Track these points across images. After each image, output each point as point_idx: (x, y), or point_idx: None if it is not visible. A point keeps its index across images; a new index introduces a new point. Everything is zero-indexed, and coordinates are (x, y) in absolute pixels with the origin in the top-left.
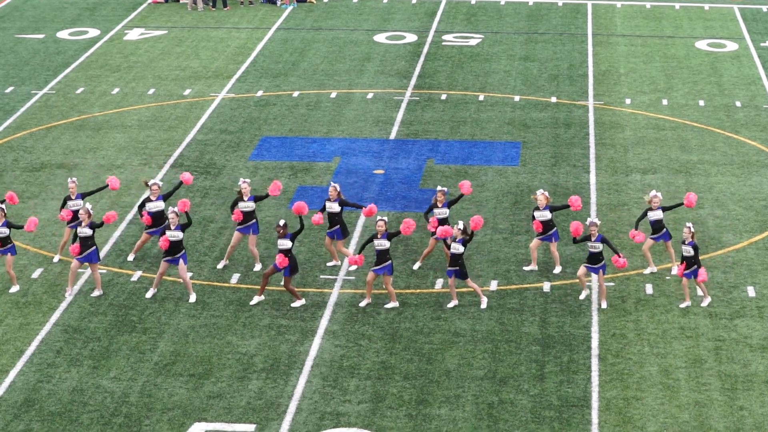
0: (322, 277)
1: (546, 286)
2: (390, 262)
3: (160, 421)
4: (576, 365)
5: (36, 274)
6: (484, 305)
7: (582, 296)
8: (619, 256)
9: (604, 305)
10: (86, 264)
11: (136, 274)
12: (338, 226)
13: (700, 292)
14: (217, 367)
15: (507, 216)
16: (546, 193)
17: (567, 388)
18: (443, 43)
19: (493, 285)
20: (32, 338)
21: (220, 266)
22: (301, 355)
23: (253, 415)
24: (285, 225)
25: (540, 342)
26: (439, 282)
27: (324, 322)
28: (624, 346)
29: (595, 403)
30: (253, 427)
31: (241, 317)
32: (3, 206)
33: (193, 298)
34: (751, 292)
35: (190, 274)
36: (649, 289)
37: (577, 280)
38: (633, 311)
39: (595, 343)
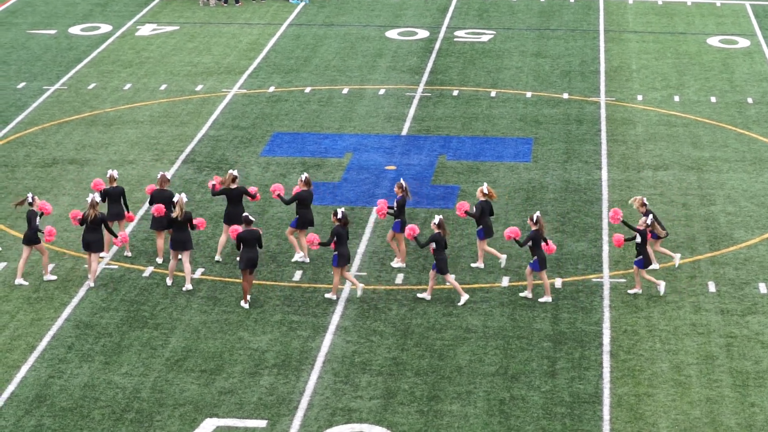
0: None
1: (558, 282)
2: (335, 253)
3: (172, 417)
4: (587, 361)
5: (48, 270)
6: (461, 301)
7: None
8: (546, 243)
9: (547, 299)
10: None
11: (148, 270)
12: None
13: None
14: (229, 362)
15: (519, 212)
16: (483, 189)
17: (578, 385)
18: (455, 39)
19: (505, 281)
20: (44, 334)
21: (217, 258)
22: (312, 351)
23: (265, 410)
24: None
25: (551, 338)
26: (451, 278)
27: (336, 318)
28: (635, 342)
29: (606, 400)
30: (264, 422)
31: (253, 313)
32: None
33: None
34: (762, 288)
35: (202, 270)
36: (660, 286)
37: (589, 277)
38: (644, 308)
39: (606, 339)
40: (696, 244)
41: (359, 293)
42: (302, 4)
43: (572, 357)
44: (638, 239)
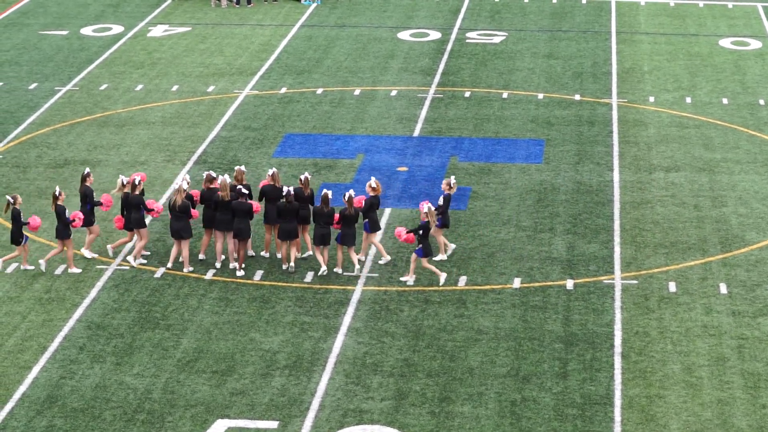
0: (345, 274)
1: (569, 283)
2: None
3: (183, 418)
4: (599, 363)
5: (59, 271)
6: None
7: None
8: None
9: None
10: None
11: (160, 271)
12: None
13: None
14: (240, 363)
15: (530, 214)
16: (371, 183)
17: (590, 386)
18: (467, 41)
19: (517, 282)
20: (55, 334)
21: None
22: (324, 352)
23: (276, 412)
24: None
25: (563, 340)
26: (463, 279)
27: (347, 319)
28: (647, 344)
29: (617, 401)
30: (275, 424)
31: (265, 314)
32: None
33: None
34: None
35: (213, 271)
36: (672, 287)
37: (601, 278)
38: (656, 309)
39: (618, 340)
40: (707, 245)
41: (286, 267)
42: (314, 5)
43: (584, 358)
44: (422, 231)
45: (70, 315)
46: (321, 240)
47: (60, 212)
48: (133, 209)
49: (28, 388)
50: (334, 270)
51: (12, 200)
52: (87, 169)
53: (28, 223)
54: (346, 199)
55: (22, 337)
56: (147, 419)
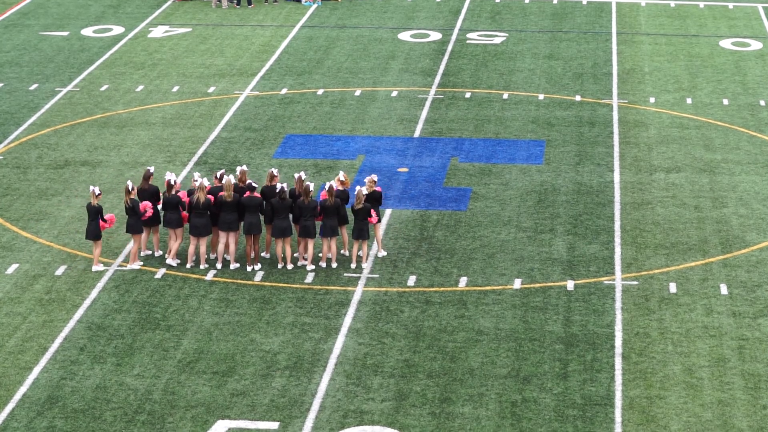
0: (345, 275)
1: (570, 284)
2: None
3: (184, 419)
4: (599, 364)
5: (60, 271)
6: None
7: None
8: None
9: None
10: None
11: (160, 272)
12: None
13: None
14: (241, 364)
15: (531, 214)
16: (340, 177)
17: (590, 387)
18: (468, 42)
19: (517, 283)
20: (56, 335)
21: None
22: (324, 353)
23: (277, 412)
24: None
25: (563, 340)
26: (463, 280)
27: (348, 320)
28: (647, 344)
29: (618, 402)
30: (276, 424)
31: (265, 315)
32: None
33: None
34: None
35: (214, 272)
36: (672, 288)
37: (601, 279)
38: (656, 310)
39: (618, 341)
40: (708, 246)
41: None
42: (314, 5)
43: (584, 359)
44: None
45: (70, 316)
46: (305, 232)
47: (133, 206)
48: (170, 209)
49: (28, 389)
50: (320, 264)
51: (131, 188)
52: (151, 168)
53: (106, 220)
54: (327, 189)
55: (23, 338)
56: (147, 420)
